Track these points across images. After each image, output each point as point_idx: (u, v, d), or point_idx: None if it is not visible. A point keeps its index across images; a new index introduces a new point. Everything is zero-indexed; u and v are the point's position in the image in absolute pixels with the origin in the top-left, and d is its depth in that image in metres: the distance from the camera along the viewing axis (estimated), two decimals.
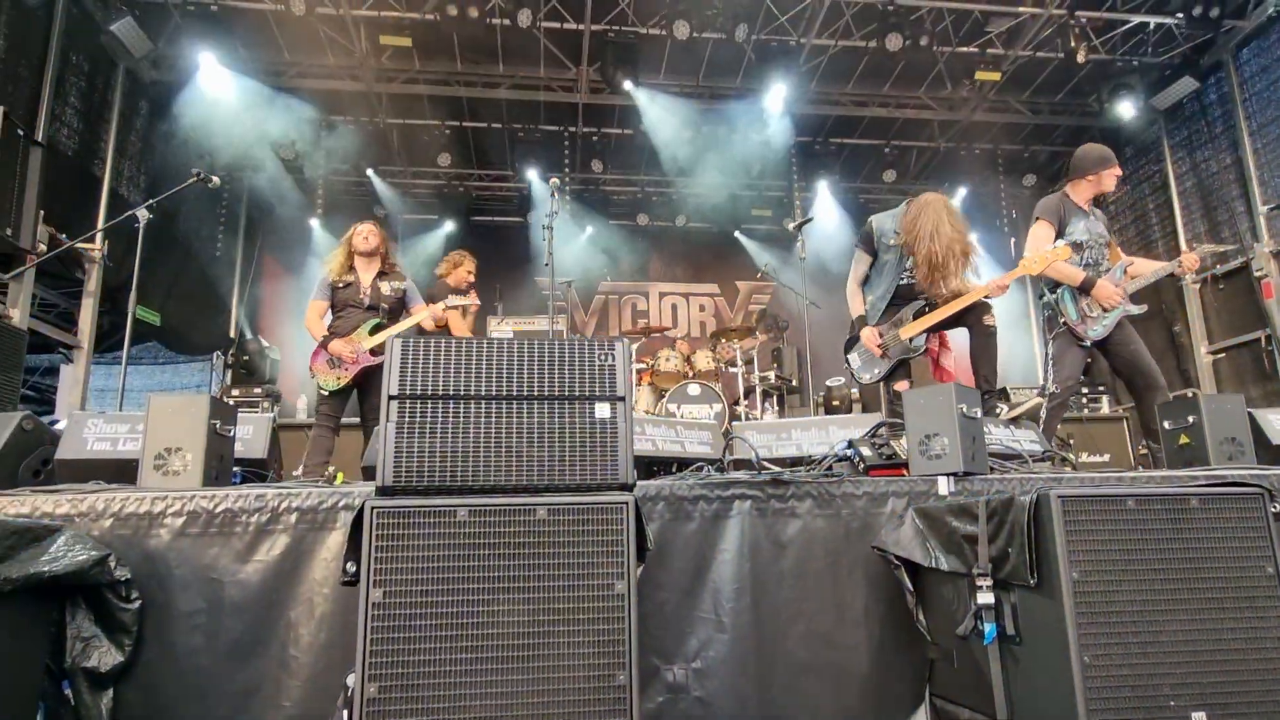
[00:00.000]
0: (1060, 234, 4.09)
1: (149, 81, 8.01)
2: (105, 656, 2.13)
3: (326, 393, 4.68)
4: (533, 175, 9.99)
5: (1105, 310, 3.96)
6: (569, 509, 1.77)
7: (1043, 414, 3.97)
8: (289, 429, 5.05)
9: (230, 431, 2.86)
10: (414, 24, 7.80)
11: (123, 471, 2.88)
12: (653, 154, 9.88)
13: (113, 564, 2.14)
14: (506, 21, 7.58)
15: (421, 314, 4.84)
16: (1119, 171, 4.19)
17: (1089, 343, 4.00)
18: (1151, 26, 8.05)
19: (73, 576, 2.03)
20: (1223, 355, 8.05)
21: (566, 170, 10.23)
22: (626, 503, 1.79)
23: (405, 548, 1.68)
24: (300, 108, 8.57)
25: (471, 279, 5.98)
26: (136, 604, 2.19)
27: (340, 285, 4.80)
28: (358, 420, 5.34)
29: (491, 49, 8.52)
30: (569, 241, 10.84)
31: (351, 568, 1.67)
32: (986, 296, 4.03)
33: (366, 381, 4.72)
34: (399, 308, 4.94)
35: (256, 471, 3.27)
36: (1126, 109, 8.60)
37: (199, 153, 8.19)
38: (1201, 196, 8.49)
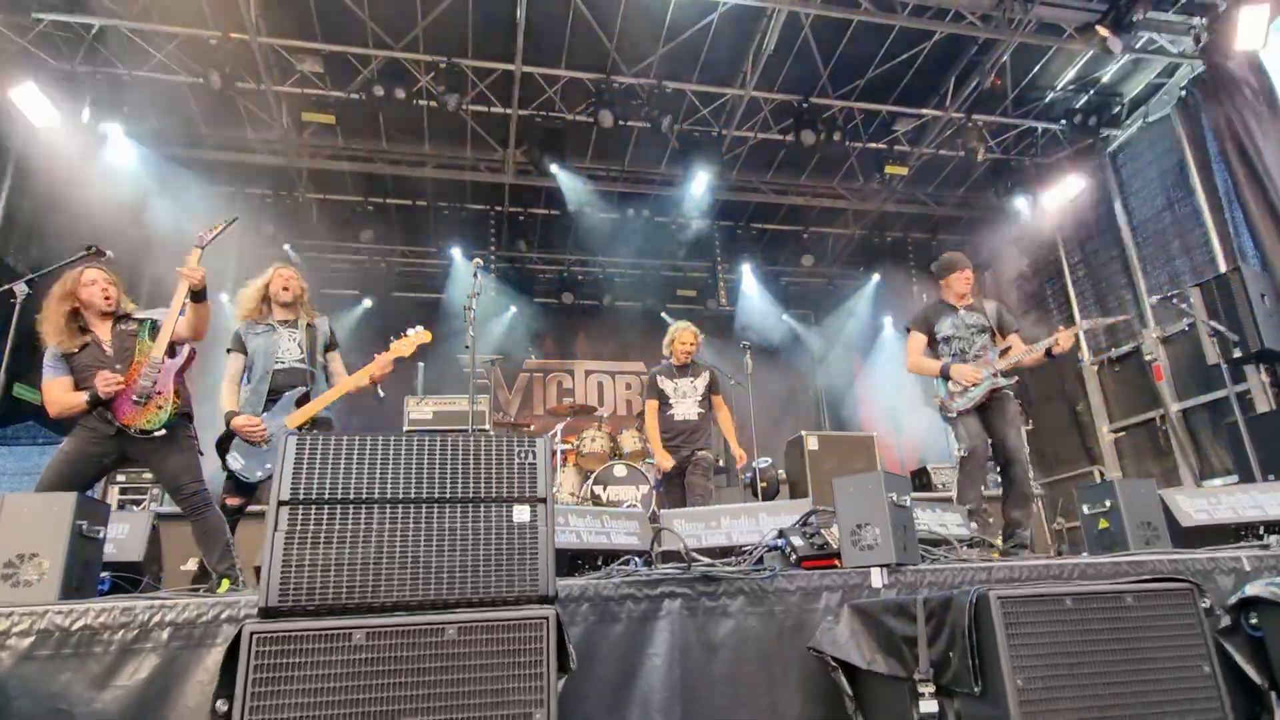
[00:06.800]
0: (931, 335, 4.70)
1: (49, 148, 7.58)
2: None
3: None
4: (456, 253, 9.89)
5: (967, 386, 4.44)
6: (482, 627, 1.58)
7: (957, 477, 4.50)
8: (173, 519, 4.43)
9: (99, 533, 2.54)
10: (338, 101, 7.72)
11: None
12: (579, 234, 9.95)
13: None
14: (434, 104, 7.59)
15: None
16: (965, 275, 4.78)
17: (954, 414, 4.47)
18: (1039, 130, 8.78)
19: None
20: (1123, 433, 8.45)
21: (492, 248, 10.18)
22: (547, 618, 1.61)
23: (289, 679, 1.44)
24: (213, 181, 8.27)
25: (690, 350, 5.57)
26: None
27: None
28: (257, 508, 4.89)
29: (418, 129, 8.50)
30: (494, 318, 10.71)
31: (223, 706, 1.41)
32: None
33: None
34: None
35: (129, 577, 2.91)
36: (1022, 203, 9.24)
37: (98, 225, 7.72)
38: (1093, 285, 9.10)
